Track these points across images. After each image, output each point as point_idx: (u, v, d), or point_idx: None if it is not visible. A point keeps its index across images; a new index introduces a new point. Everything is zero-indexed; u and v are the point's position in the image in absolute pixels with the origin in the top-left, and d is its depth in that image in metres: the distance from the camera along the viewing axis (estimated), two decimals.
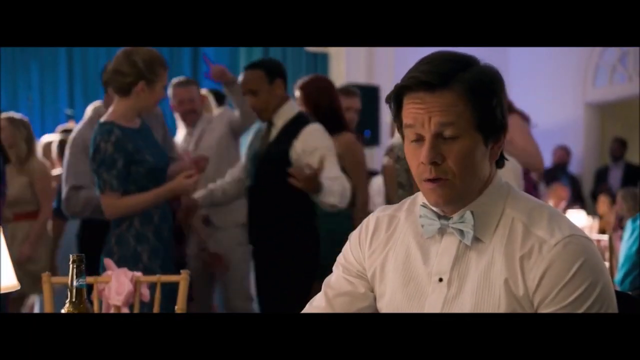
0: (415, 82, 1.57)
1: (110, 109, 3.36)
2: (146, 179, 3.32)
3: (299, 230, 3.66)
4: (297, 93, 4.10)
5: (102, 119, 3.33)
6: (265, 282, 3.72)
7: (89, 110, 4.20)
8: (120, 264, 3.12)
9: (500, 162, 1.68)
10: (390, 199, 3.97)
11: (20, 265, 4.20)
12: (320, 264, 3.62)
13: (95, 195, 3.61)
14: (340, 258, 1.83)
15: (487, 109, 1.58)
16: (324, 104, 4.06)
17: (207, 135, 4.58)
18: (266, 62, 3.79)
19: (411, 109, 1.58)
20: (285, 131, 3.65)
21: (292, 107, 3.73)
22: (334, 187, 3.54)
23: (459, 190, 1.60)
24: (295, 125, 3.64)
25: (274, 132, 3.69)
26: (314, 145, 3.59)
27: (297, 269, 3.62)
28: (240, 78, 3.78)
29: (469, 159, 1.58)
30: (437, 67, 1.57)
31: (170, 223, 3.47)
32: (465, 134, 1.57)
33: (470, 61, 1.61)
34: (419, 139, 1.59)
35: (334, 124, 4.00)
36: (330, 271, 1.85)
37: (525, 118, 4.65)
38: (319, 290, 1.86)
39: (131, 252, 3.27)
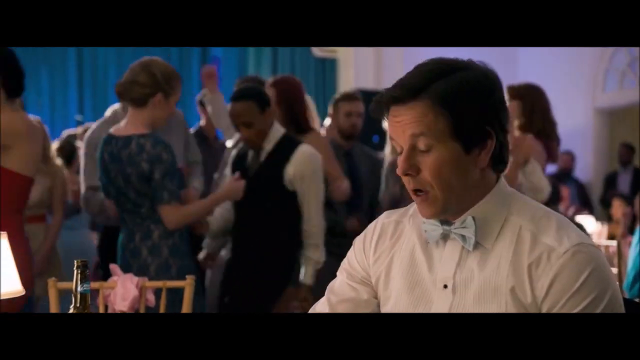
0: (387, 98, 1.60)
1: (128, 121, 3.30)
2: (180, 189, 3.36)
3: (282, 255, 3.68)
4: (270, 91, 4.06)
5: (131, 132, 3.24)
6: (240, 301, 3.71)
7: (109, 112, 4.21)
8: (180, 275, 3.13)
9: (501, 167, 1.67)
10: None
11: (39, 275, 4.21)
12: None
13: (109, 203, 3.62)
14: (344, 263, 1.83)
15: (464, 117, 1.57)
16: (296, 103, 4.12)
17: None
18: (256, 93, 3.71)
19: (391, 123, 1.62)
20: (275, 153, 3.66)
21: (278, 129, 3.73)
22: (320, 263, 3.69)
23: (442, 201, 1.60)
24: (285, 148, 3.66)
25: (263, 155, 3.68)
26: (303, 172, 3.63)
27: (279, 290, 3.65)
28: (229, 108, 3.72)
29: (444, 170, 1.58)
30: (410, 80, 1.59)
31: None
32: (438, 144, 1.57)
33: (454, 68, 1.60)
34: (401, 151, 1.62)
35: (303, 124, 4.07)
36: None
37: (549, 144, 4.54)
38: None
39: (190, 261, 3.33)
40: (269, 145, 3.67)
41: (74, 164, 5.47)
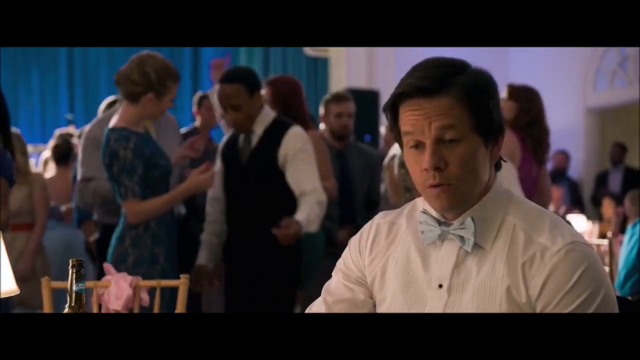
0: (412, 88, 1.57)
1: (118, 114, 3.37)
2: (160, 182, 3.36)
3: (282, 248, 3.57)
4: (265, 90, 4.03)
5: (113, 125, 3.32)
6: (241, 292, 3.67)
7: (103, 107, 4.22)
8: (136, 266, 3.17)
9: (498, 165, 1.68)
10: (396, 204, 3.97)
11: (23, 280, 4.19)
12: (301, 273, 3.65)
13: (103, 185, 3.67)
14: (339, 263, 1.82)
15: (484, 111, 1.58)
16: (293, 103, 4.07)
17: None
18: (245, 76, 3.66)
19: (409, 116, 1.58)
20: (266, 137, 3.62)
21: (268, 112, 3.69)
22: (311, 216, 3.56)
23: (463, 194, 1.60)
24: (276, 131, 3.62)
25: (255, 139, 3.65)
26: (294, 150, 3.58)
27: (279, 277, 3.60)
28: (217, 91, 3.67)
29: (471, 163, 1.58)
30: (432, 72, 1.57)
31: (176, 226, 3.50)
32: (465, 137, 1.57)
33: (463, 65, 1.61)
34: (419, 145, 1.58)
35: (301, 124, 4.04)
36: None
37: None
38: (304, 298, 1.85)
39: (149, 253, 3.29)
40: (259, 129, 3.63)
41: (70, 163, 5.44)
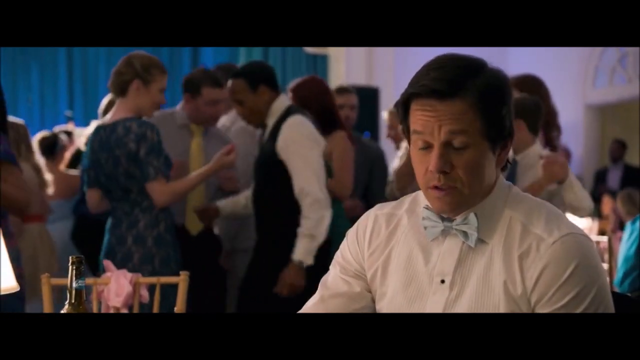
0: (426, 90, 1.55)
1: (114, 111, 3.44)
2: (169, 170, 3.42)
3: (283, 236, 3.54)
4: (289, 95, 4.03)
5: (120, 117, 3.35)
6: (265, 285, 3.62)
7: (105, 102, 4.33)
8: (162, 266, 3.25)
9: (505, 166, 1.68)
10: None
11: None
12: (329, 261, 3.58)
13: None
14: (337, 256, 1.81)
15: (496, 118, 1.57)
16: (314, 105, 4.03)
17: None
18: (247, 70, 3.71)
19: (420, 116, 1.57)
20: (273, 130, 3.60)
21: (281, 103, 3.65)
22: (310, 249, 3.47)
23: (466, 197, 1.59)
24: (279, 123, 3.59)
25: (267, 133, 3.66)
26: (287, 143, 3.52)
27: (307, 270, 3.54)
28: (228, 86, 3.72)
29: (477, 168, 1.58)
30: (448, 74, 1.54)
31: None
32: (474, 142, 1.56)
33: (480, 66, 1.59)
34: (427, 146, 1.57)
35: (328, 123, 4.00)
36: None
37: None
38: None
39: (167, 253, 3.34)
40: (271, 122, 3.63)
41: (58, 158, 5.42)
